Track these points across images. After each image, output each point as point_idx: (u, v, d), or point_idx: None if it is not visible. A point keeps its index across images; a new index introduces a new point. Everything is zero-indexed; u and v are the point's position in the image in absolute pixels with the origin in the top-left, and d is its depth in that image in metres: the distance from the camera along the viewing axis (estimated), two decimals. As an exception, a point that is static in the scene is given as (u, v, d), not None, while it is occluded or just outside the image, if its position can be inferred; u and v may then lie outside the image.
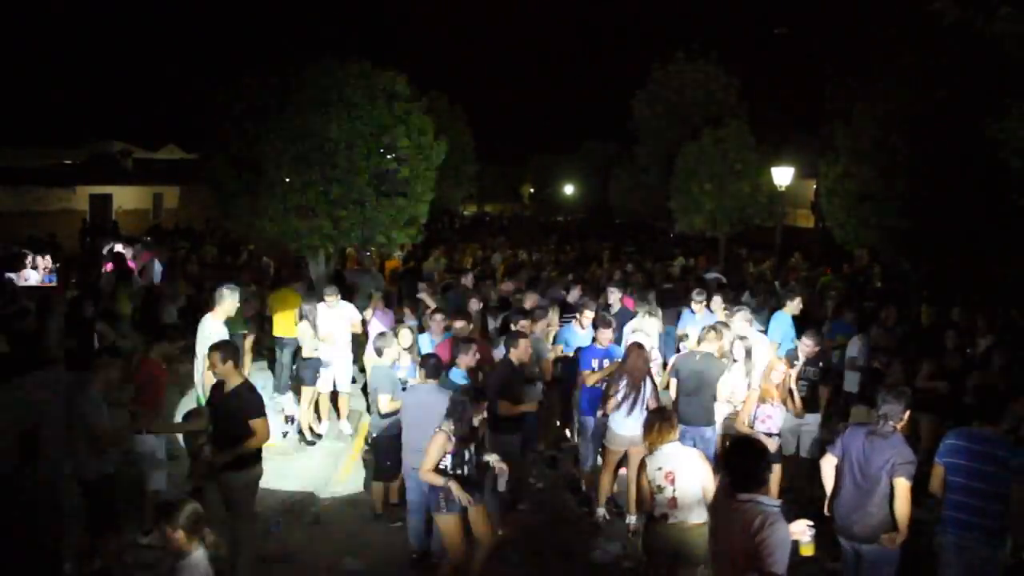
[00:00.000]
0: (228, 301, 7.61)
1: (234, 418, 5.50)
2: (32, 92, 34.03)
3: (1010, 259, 13.21)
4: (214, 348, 5.68)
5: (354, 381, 9.82)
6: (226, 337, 6.85)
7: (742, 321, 8.24)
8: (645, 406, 6.67)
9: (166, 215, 30.38)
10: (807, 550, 4.31)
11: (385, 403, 6.77)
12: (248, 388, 5.64)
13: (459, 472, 5.43)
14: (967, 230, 11.21)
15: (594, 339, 7.79)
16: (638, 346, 7.05)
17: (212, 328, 7.34)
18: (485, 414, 5.83)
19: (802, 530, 4.18)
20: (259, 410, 5.55)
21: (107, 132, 33.56)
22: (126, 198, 29.34)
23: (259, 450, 5.68)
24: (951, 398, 7.73)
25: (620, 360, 7.20)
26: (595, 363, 7.53)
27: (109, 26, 41.70)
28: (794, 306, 8.96)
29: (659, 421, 5.18)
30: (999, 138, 8.06)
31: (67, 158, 30.51)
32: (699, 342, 7.34)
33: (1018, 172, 8.23)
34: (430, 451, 5.40)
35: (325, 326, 9.06)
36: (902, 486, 4.69)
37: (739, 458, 3.75)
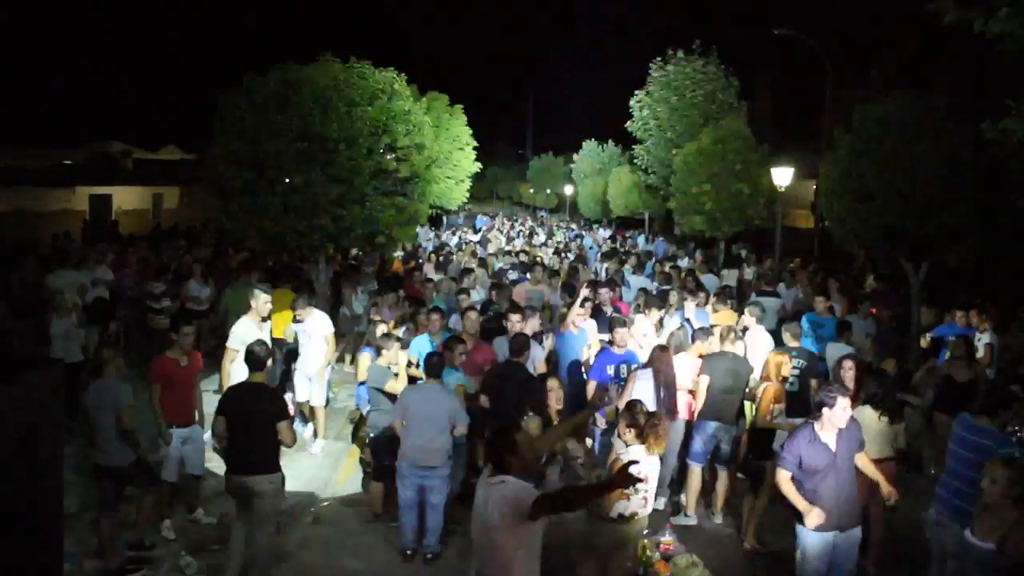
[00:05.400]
0: (260, 301, 7.84)
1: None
2: (32, 92, 34.10)
3: (1010, 259, 13.20)
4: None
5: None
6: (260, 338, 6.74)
7: (749, 316, 8.49)
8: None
9: (166, 215, 30.38)
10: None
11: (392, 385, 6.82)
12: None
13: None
14: (966, 230, 11.21)
15: (610, 341, 7.44)
16: (662, 348, 6.86)
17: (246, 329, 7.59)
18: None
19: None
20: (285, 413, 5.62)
21: (107, 132, 33.63)
22: (126, 198, 29.32)
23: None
24: None
25: (639, 366, 6.93)
26: (611, 369, 7.09)
27: (109, 26, 41.74)
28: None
29: (661, 427, 5.20)
30: (999, 138, 8.04)
31: (67, 158, 30.56)
32: (722, 341, 7.10)
33: (1018, 173, 8.23)
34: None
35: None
36: None
37: (492, 445, 3.97)
